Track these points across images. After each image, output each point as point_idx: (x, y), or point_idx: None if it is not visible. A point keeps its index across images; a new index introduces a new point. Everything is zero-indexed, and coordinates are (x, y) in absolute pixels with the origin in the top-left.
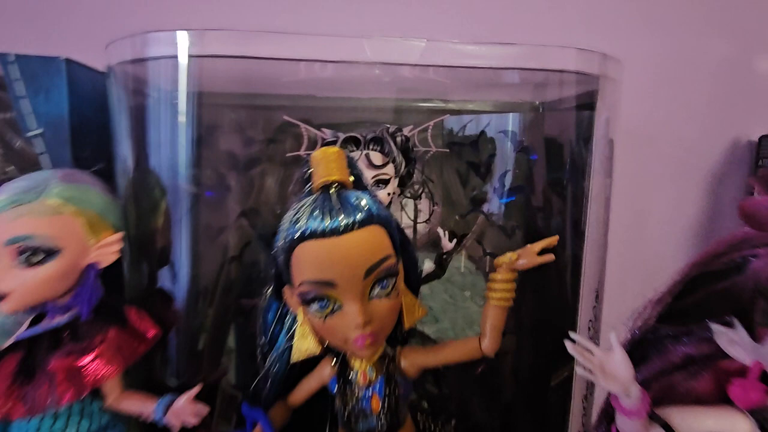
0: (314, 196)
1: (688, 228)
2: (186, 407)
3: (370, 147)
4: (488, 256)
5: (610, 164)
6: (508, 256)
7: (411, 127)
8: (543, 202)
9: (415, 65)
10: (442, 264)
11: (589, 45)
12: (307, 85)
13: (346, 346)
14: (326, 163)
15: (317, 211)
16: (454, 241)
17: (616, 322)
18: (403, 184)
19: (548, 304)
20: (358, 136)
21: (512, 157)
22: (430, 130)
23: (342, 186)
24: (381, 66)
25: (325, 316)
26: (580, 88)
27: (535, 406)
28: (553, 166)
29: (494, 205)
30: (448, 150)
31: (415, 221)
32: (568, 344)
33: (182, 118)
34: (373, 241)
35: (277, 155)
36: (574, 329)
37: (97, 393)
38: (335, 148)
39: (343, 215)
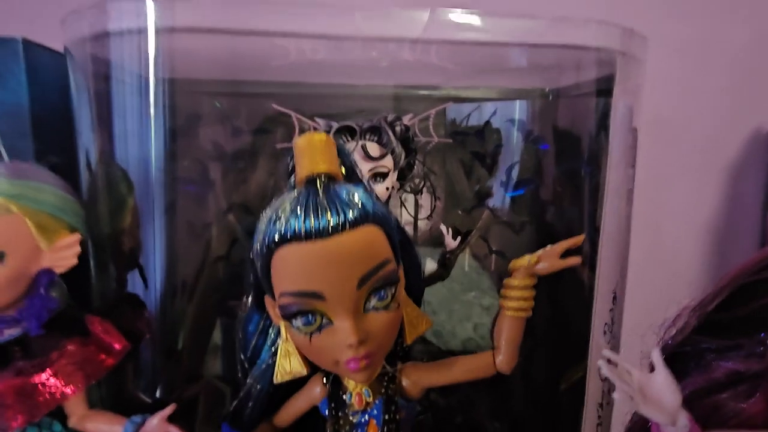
0: (297, 190)
1: (707, 223)
2: (158, 429)
3: (367, 137)
4: (494, 254)
5: (634, 154)
6: (527, 259)
7: (411, 115)
8: (554, 195)
9: (416, 41)
10: (445, 264)
11: None
12: (298, 69)
13: (337, 369)
14: (311, 153)
15: (300, 209)
16: (459, 239)
17: (634, 326)
18: (402, 178)
19: (560, 307)
20: (354, 125)
21: (521, 147)
22: (431, 119)
23: (330, 179)
24: (378, 48)
25: (311, 334)
26: (598, 71)
27: (546, 415)
28: (566, 157)
29: (501, 200)
30: (451, 140)
31: (415, 218)
32: (601, 364)
33: (152, 106)
34: (368, 244)
35: (266, 147)
36: (587, 334)
37: (58, 413)
38: (322, 134)
39: (331, 213)
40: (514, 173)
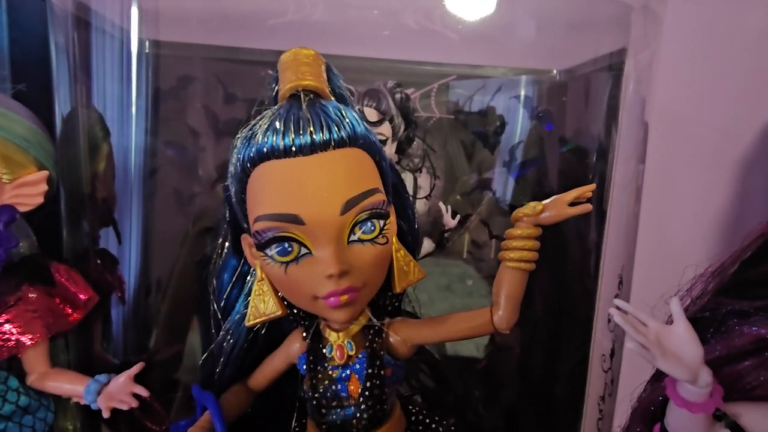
0: (278, 105)
1: (716, 216)
2: (123, 387)
3: (365, 102)
4: (494, 240)
5: (644, 149)
6: (531, 206)
7: (413, 90)
8: (558, 178)
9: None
10: (442, 242)
11: None
12: (295, 30)
13: (315, 307)
14: (297, 66)
15: (279, 122)
16: (458, 217)
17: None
18: (401, 151)
19: (561, 292)
20: (351, 88)
21: (526, 126)
22: (434, 94)
23: (317, 96)
24: (379, 4)
25: (287, 264)
26: (609, 43)
27: (544, 407)
28: (572, 138)
29: (503, 182)
30: (453, 116)
31: (414, 197)
32: (613, 312)
33: (134, 59)
34: (355, 168)
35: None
36: (591, 320)
37: (15, 368)
38: (310, 50)
39: (314, 128)
40: (518, 153)
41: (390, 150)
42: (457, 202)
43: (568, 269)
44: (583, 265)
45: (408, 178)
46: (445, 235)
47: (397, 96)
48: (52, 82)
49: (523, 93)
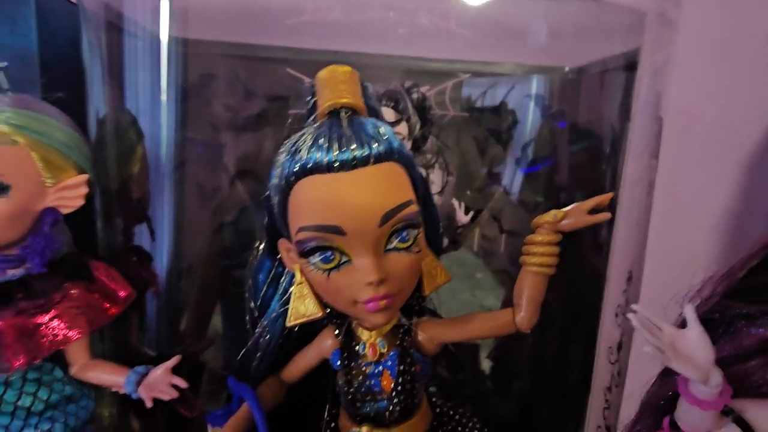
0: (319, 122)
1: (728, 212)
2: (162, 379)
3: (383, 102)
4: (505, 234)
5: (658, 144)
6: (552, 214)
7: (428, 87)
8: (570, 175)
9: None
10: (455, 239)
11: None
12: (313, 30)
13: (355, 310)
14: (335, 84)
15: (323, 139)
16: (470, 214)
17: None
18: (416, 149)
19: (569, 286)
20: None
21: (538, 123)
22: (448, 92)
23: (354, 112)
24: (394, 5)
25: (329, 271)
26: (621, 45)
27: (551, 396)
28: (583, 136)
29: (514, 178)
30: (467, 114)
31: None
32: (631, 317)
33: (164, 61)
34: (393, 181)
35: (277, 112)
36: (597, 315)
37: (61, 360)
38: (347, 67)
39: (355, 145)
40: (530, 150)
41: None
42: (469, 198)
43: (575, 264)
44: (592, 260)
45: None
46: (459, 231)
47: (414, 96)
48: (81, 83)
49: (534, 91)
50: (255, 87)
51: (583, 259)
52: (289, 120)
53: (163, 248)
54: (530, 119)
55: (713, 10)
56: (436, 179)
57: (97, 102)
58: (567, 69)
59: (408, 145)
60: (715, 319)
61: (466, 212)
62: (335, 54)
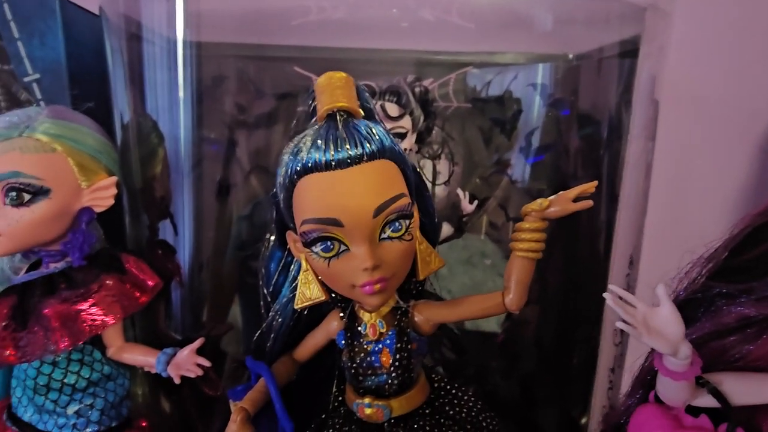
0: (318, 125)
1: (731, 197)
2: (188, 359)
3: (386, 98)
4: (511, 222)
5: (654, 127)
6: (538, 203)
7: (431, 80)
8: (574, 162)
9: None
10: (461, 227)
11: None
12: (318, 29)
13: (353, 294)
14: (331, 89)
15: (321, 141)
16: (475, 202)
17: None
18: (421, 141)
19: (575, 271)
20: (373, 85)
21: (541, 112)
22: (451, 84)
23: (350, 114)
24: (397, 3)
25: (330, 259)
26: (623, 32)
27: (557, 378)
28: (587, 123)
29: (520, 166)
30: (470, 105)
31: (433, 183)
32: (607, 296)
33: (180, 64)
34: (385, 177)
35: (287, 110)
36: (603, 298)
37: (99, 343)
38: (342, 74)
39: (350, 145)
40: (534, 139)
41: (410, 141)
42: (476, 186)
43: (581, 249)
44: (595, 245)
45: (427, 165)
46: (464, 219)
47: (417, 90)
48: (105, 90)
49: (539, 79)
50: (264, 86)
51: (588, 245)
52: (296, 118)
53: (185, 242)
54: (535, 108)
55: None
56: (442, 169)
57: (121, 107)
58: (571, 56)
59: (413, 138)
60: (698, 298)
61: (471, 201)
62: (340, 51)
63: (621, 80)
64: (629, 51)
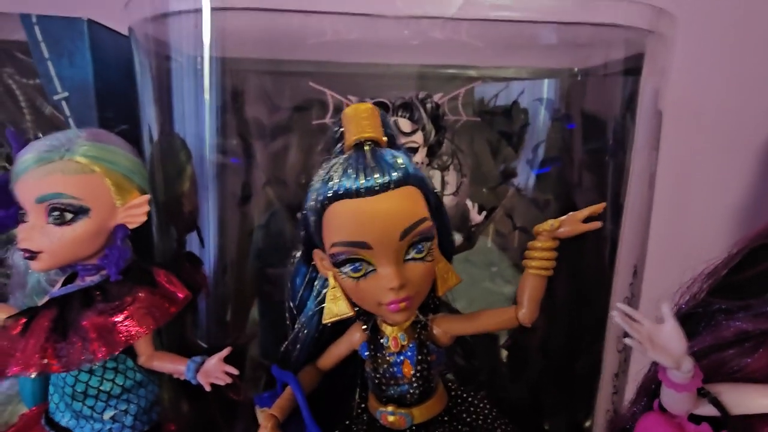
0: (347, 154)
1: (732, 207)
2: (216, 367)
3: (399, 114)
4: (518, 231)
5: (658, 137)
6: (549, 223)
7: (441, 94)
8: (579, 174)
9: (448, 19)
10: (470, 237)
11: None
12: (333, 47)
13: (379, 311)
14: (358, 120)
15: (351, 170)
16: (484, 213)
17: (655, 301)
18: (432, 154)
19: (581, 280)
20: (387, 102)
21: (547, 126)
22: (460, 98)
23: (376, 144)
24: (410, 26)
25: (358, 279)
26: (627, 51)
27: (563, 383)
28: (592, 136)
29: (526, 177)
30: (479, 118)
31: (442, 194)
32: (614, 314)
33: (206, 81)
34: (409, 202)
35: (302, 123)
36: (608, 306)
37: (130, 352)
38: (368, 105)
39: (378, 174)
40: (540, 151)
41: (421, 155)
42: (484, 196)
43: (586, 258)
44: (600, 254)
45: (436, 175)
46: (473, 230)
47: (428, 106)
48: (131, 108)
49: (545, 94)
50: (281, 99)
51: (593, 255)
52: (324, 142)
53: (210, 253)
54: (541, 121)
55: (717, 2)
56: (451, 180)
57: (150, 124)
58: (576, 70)
59: (424, 151)
60: (699, 313)
61: (480, 212)
62: (353, 66)
63: (625, 94)
64: (632, 68)
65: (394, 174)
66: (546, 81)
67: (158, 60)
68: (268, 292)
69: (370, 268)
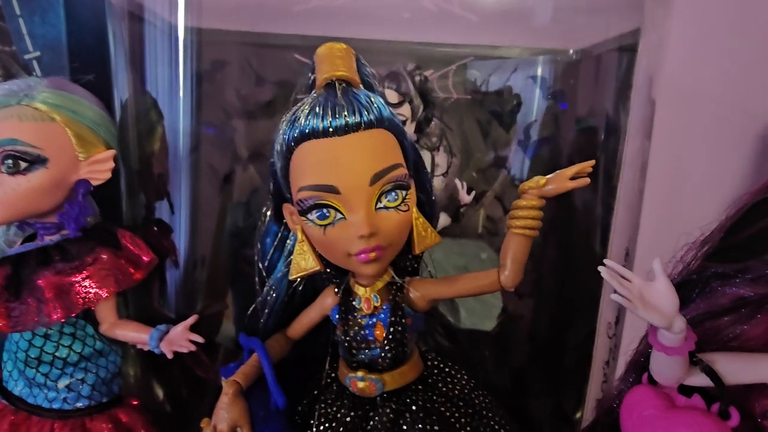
0: (316, 93)
1: (725, 191)
2: (181, 335)
3: (385, 84)
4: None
5: (650, 126)
6: (536, 180)
7: (431, 71)
8: (571, 154)
9: None
10: (458, 217)
11: None
12: (319, 16)
13: (348, 263)
14: (331, 59)
15: (319, 107)
16: (473, 193)
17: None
18: (420, 131)
19: (571, 264)
20: (374, 71)
21: (540, 105)
22: (451, 76)
23: (349, 84)
24: None
25: (326, 227)
26: (622, 26)
27: (552, 370)
28: (586, 117)
29: (518, 159)
30: (470, 97)
31: (432, 174)
32: (602, 270)
33: (181, 52)
34: (382, 146)
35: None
36: (599, 290)
37: (92, 319)
38: (343, 44)
39: (348, 112)
40: (533, 132)
41: (409, 130)
42: (473, 179)
43: (577, 241)
44: (591, 237)
45: (426, 157)
46: (461, 210)
47: (417, 78)
48: (104, 69)
49: (539, 73)
50: (265, 73)
51: (584, 236)
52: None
53: (181, 225)
54: (534, 101)
55: None
56: (441, 161)
57: (121, 86)
58: (571, 51)
59: (412, 126)
60: (693, 279)
61: (468, 192)
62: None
63: (619, 74)
64: (628, 45)
65: (366, 114)
66: (540, 58)
67: (132, 21)
68: (245, 272)
69: (339, 216)
